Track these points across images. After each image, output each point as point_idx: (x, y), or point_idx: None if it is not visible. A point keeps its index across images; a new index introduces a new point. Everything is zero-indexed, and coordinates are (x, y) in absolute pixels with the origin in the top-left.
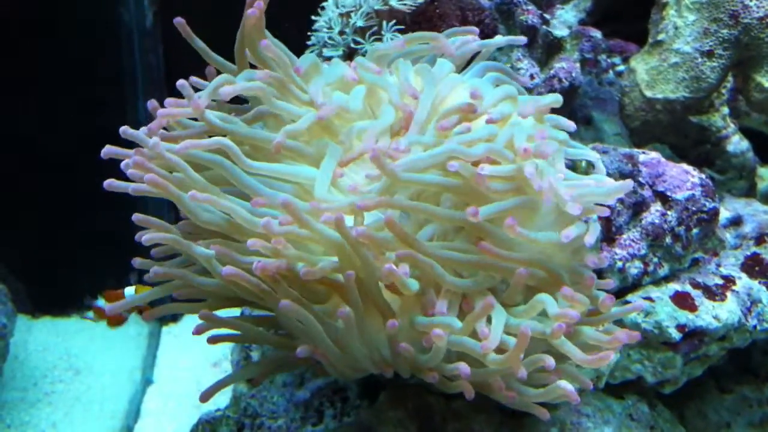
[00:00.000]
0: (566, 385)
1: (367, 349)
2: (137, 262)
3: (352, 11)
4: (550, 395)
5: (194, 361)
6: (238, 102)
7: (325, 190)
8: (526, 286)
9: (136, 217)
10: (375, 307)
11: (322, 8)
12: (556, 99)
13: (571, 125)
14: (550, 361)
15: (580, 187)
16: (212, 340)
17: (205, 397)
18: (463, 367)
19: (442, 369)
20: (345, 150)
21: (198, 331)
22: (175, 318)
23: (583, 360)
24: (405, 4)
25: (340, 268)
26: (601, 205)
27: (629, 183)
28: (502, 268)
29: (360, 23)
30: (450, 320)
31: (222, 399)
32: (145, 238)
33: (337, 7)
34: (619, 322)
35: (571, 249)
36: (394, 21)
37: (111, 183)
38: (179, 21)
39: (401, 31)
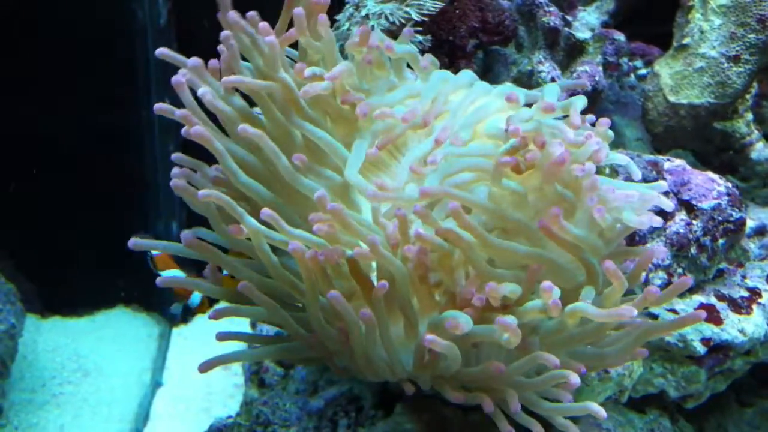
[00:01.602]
0: (593, 407)
1: (388, 355)
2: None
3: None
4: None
5: None
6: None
7: (355, 171)
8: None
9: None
10: (400, 313)
11: (343, 5)
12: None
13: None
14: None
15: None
16: (221, 337)
17: (204, 367)
18: (487, 404)
19: (465, 373)
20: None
21: (216, 315)
22: (185, 320)
23: (601, 315)
24: (427, 11)
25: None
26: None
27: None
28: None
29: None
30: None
31: (234, 405)
32: (201, 192)
33: (356, 10)
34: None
35: (608, 251)
36: (412, 21)
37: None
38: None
39: (419, 32)
